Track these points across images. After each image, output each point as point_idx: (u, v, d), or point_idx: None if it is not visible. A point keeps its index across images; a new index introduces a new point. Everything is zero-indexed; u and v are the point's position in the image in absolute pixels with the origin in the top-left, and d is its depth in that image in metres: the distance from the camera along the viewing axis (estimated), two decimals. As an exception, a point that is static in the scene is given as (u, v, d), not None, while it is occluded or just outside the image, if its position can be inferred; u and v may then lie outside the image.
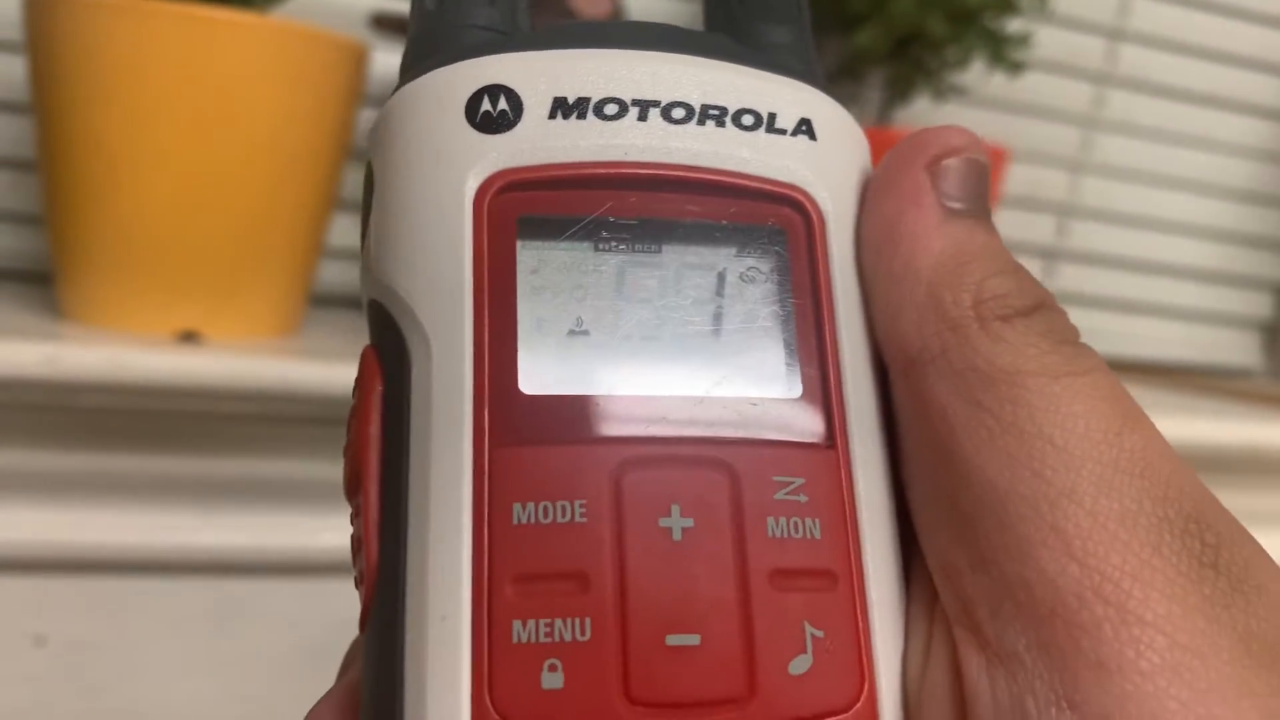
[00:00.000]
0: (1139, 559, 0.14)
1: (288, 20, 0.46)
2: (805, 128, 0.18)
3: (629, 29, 0.18)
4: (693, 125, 0.17)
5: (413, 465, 0.16)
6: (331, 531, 0.52)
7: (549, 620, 0.15)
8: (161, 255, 0.46)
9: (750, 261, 0.17)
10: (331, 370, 0.47)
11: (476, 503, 0.15)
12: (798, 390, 0.17)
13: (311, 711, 0.17)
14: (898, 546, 0.17)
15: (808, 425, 0.17)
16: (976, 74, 0.60)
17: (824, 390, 0.17)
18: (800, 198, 0.17)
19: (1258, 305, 0.83)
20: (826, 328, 0.17)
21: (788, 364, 0.17)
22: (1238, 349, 0.83)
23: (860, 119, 0.58)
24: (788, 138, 0.18)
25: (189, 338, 0.46)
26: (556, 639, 0.15)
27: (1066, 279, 0.75)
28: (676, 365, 0.17)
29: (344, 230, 0.57)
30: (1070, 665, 0.14)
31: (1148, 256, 0.77)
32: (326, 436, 0.50)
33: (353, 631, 0.47)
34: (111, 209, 0.45)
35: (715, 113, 0.17)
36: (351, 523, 0.16)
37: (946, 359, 0.16)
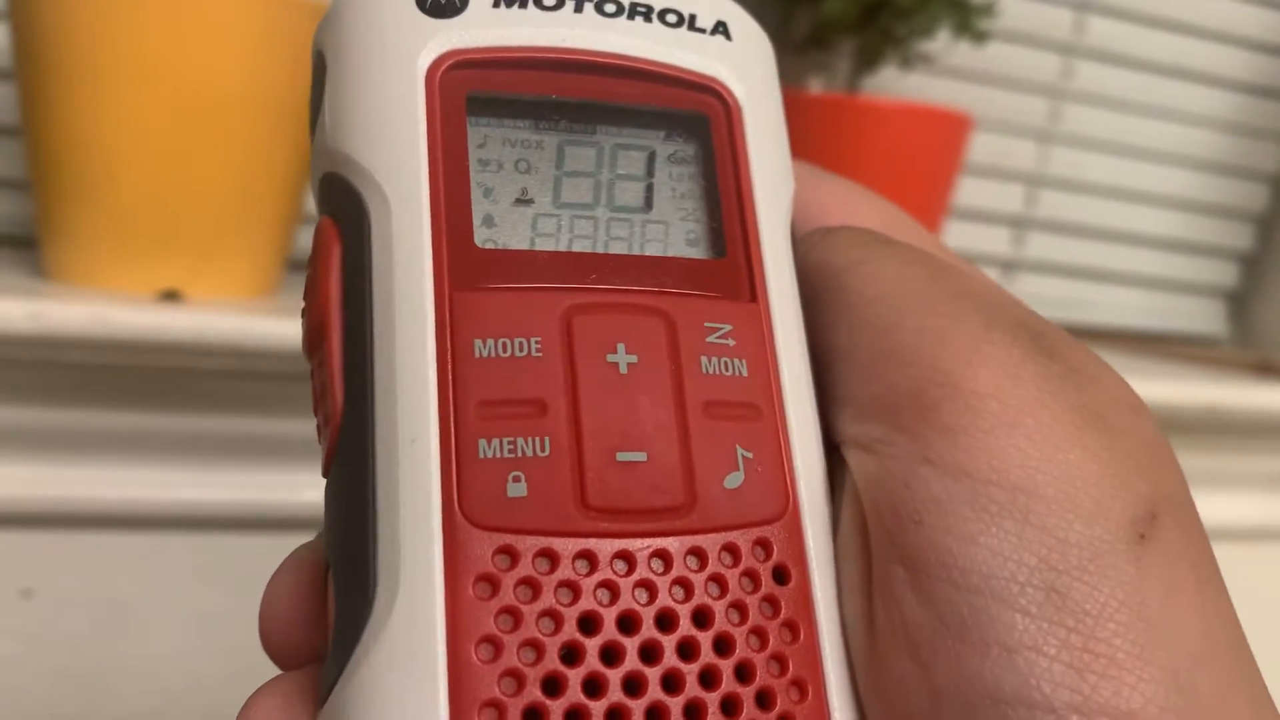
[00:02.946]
0: (968, 350, 0.17)
1: (265, -14, 0.47)
2: (722, 29, 0.20)
3: None
4: (623, 19, 0.19)
5: (377, 311, 0.17)
6: (311, 489, 0.53)
7: (511, 439, 0.16)
8: (144, 217, 0.47)
9: (678, 143, 0.19)
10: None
11: (440, 339, 0.17)
12: (723, 253, 0.19)
13: (267, 587, 0.19)
14: (812, 386, 0.19)
15: (732, 282, 0.19)
16: (944, 44, 0.61)
17: (746, 254, 0.19)
18: (719, 88, 0.19)
19: (1223, 274, 0.84)
20: (746, 203, 0.19)
21: (713, 231, 0.19)
22: (1204, 317, 0.85)
23: (830, 87, 0.58)
24: (707, 36, 0.20)
25: (170, 296, 0.48)
26: (519, 455, 0.16)
27: (1036, 247, 0.76)
28: (614, 229, 0.19)
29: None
30: (921, 435, 0.17)
31: (1116, 226, 0.79)
32: (305, 394, 0.51)
33: None
34: (95, 173, 0.46)
35: (643, 9, 0.19)
36: (312, 377, 0.18)
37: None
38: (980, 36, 0.57)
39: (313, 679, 0.18)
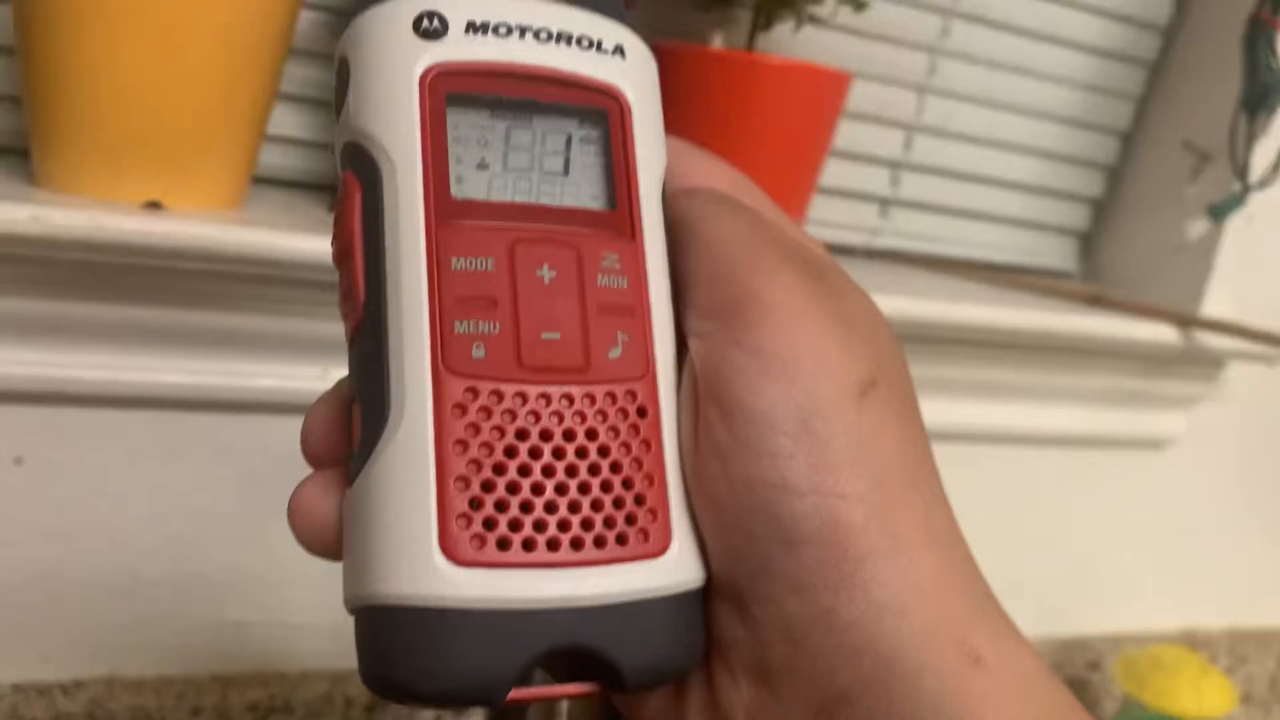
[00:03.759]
0: (767, 276, 0.26)
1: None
2: (620, 50, 0.27)
3: None
4: (552, 44, 0.26)
5: (387, 236, 0.25)
6: (269, 377, 0.61)
7: (475, 321, 0.24)
8: (129, 134, 0.53)
9: (587, 129, 0.27)
10: (273, 237, 0.55)
11: (430, 255, 0.24)
12: (614, 206, 0.27)
13: (308, 414, 0.27)
14: (670, 296, 0.27)
15: (620, 226, 0.26)
16: (833, 7, 0.69)
17: (630, 207, 0.27)
18: (615, 92, 0.27)
19: (1075, 216, 0.94)
20: (631, 172, 0.27)
21: (608, 190, 0.27)
22: (1057, 254, 0.95)
23: (731, 41, 0.68)
24: (609, 55, 0.27)
25: (153, 206, 0.55)
26: (480, 332, 0.24)
27: (910, 188, 0.85)
28: (543, 187, 0.26)
29: (282, 120, 0.66)
30: (733, 328, 0.25)
31: (983, 170, 0.88)
32: (267, 294, 0.59)
33: (280, 463, 0.60)
34: (85, 94, 0.52)
35: (565, 36, 0.27)
36: (341, 279, 0.26)
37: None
38: (860, 6, 0.66)
39: (337, 474, 0.26)
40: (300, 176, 0.68)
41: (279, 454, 0.62)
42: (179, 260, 0.54)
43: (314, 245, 0.56)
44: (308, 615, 0.67)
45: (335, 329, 0.59)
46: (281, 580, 0.66)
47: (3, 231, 0.50)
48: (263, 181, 0.65)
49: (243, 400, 0.61)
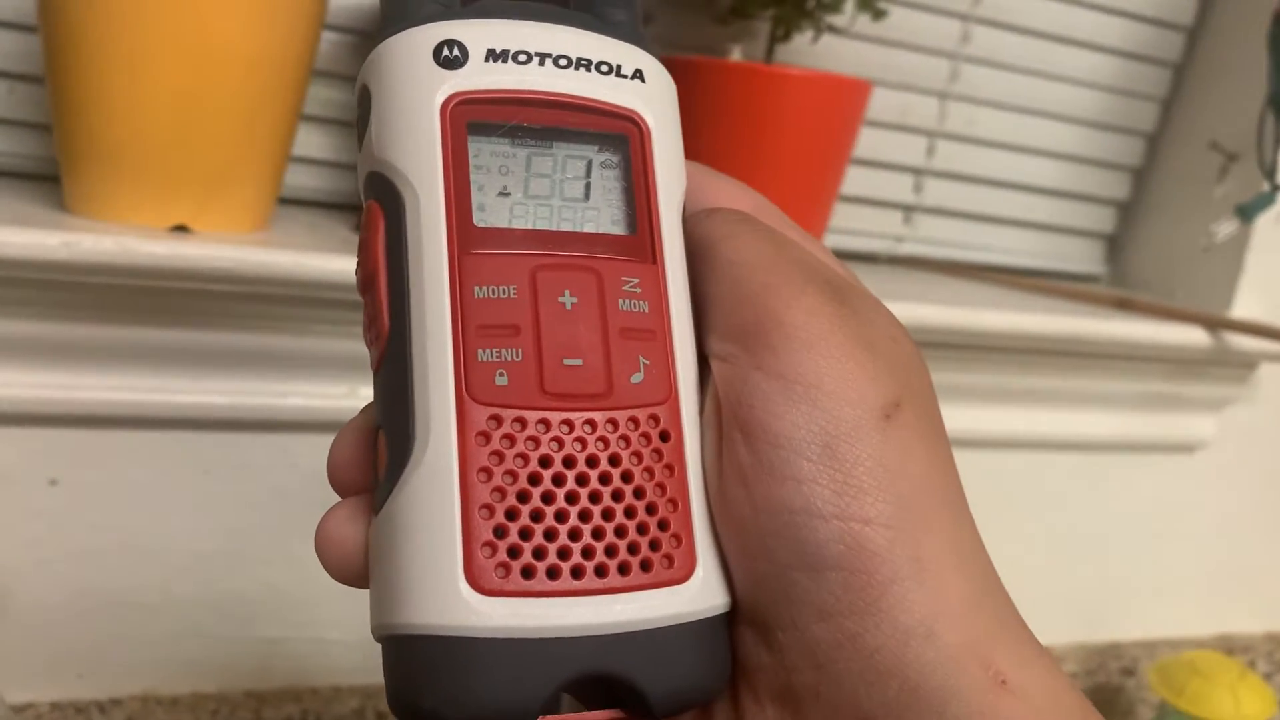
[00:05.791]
0: (788, 298, 0.25)
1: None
2: (639, 75, 0.27)
3: (533, 9, 0.27)
4: (571, 70, 0.26)
5: (410, 266, 0.25)
6: (297, 396, 0.62)
7: (498, 349, 0.24)
8: (155, 160, 0.54)
9: (607, 154, 0.27)
10: (298, 258, 0.56)
11: (453, 284, 0.24)
12: (635, 230, 0.27)
13: (334, 442, 0.27)
14: (691, 318, 0.27)
15: (641, 250, 0.26)
16: (852, 16, 0.69)
17: (650, 232, 0.27)
18: (635, 117, 0.27)
19: (1101, 219, 0.94)
20: (652, 196, 0.27)
21: (629, 215, 0.27)
22: (1084, 258, 0.95)
23: (750, 53, 0.68)
24: (628, 80, 0.27)
25: (180, 230, 0.55)
26: (503, 359, 0.24)
27: (933, 194, 0.85)
28: (564, 213, 0.26)
29: (307, 141, 0.66)
30: (755, 352, 0.25)
31: (1007, 175, 0.87)
32: (294, 314, 0.59)
33: (308, 481, 0.60)
34: (112, 119, 0.52)
35: (585, 62, 0.27)
36: (365, 308, 0.26)
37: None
38: (879, 15, 0.66)
39: (363, 501, 0.26)
40: (324, 197, 0.68)
41: (308, 472, 0.63)
42: (206, 283, 0.55)
43: (339, 265, 0.56)
44: (339, 631, 0.67)
45: (362, 348, 0.60)
46: (313, 597, 0.66)
47: (35, 258, 0.51)
48: (287, 202, 0.66)
49: (271, 419, 0.62)
